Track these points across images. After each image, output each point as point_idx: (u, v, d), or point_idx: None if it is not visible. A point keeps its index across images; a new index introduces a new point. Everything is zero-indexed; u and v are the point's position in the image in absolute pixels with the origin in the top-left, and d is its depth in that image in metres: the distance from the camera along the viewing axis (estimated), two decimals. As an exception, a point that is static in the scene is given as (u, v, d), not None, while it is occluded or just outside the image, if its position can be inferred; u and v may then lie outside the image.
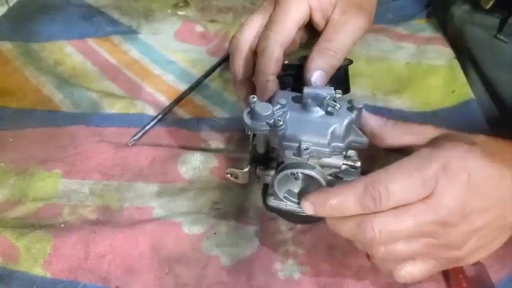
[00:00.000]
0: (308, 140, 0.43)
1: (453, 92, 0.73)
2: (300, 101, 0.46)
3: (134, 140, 0.67)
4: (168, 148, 0.66)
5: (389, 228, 0.41)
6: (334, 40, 0.53)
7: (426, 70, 0.78)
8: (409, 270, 0.44)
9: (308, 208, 0.43)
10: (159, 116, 0.71)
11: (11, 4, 1.00)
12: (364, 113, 0.49)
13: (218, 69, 0.81)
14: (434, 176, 0.40)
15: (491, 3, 0.70)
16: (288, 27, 0.54)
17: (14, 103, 0.74)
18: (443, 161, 0.41)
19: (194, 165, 0.63)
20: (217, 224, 0.56)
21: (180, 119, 0.72)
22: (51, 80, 0.77)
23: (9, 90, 0.76)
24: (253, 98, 0.44)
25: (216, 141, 0.68)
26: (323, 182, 0.44)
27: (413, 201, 0.40)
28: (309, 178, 0.45)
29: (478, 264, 0.49)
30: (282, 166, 0.44)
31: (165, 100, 0.75)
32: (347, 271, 0.52)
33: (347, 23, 0.55)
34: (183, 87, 0.78)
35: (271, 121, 0.43)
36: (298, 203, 0.46)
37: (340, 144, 0.44)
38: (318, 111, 0.45)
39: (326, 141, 0.43)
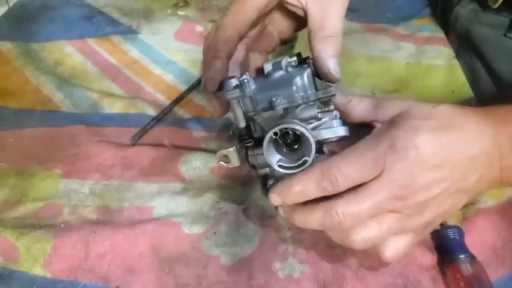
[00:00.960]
0: (277, 94, 0.46)
1: (453, 91, 0.73)
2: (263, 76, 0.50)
3: (134, 139, 0.67)
4: (168, 148, 0.66)
5: (351, 211, 0.43)
6: (328, 25, 0.53)
7: (426, 70, 0.78)
8: (393, 248, 0.46)
9: (275, 199, 0.46)
10: (158, 117, 0.71)
11: (11, 4, 1.00)
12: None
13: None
14: (383, 154, 0.43)
15: (499, 2, 0.70)
16: (245, 9, 0.53)
17: (14, 103, 0.74)
18: (390, 140, 0.43)
19: (194, 165, 0.63)
20: (217, 224, 0.56)
21: (180, 119, 0.72)
22: (51, 80, 0.77)
23: (9, 90, 0.76)
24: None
25: (216, 141, 0.68)
26: (306, 133, 0.45)
27: (367, 180, 0.43)
28: (296, 138, 0.47)
29: (475, 263, 0.49)
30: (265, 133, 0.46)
31: (165, 100, 0.75)
32: (347, 270, 0.51)
33: (331, 3, 0.54)
34: (183, 87, 0.78)
35: (239, 85, 0.47)
36: (295, 167, 0.47)
37: (309, 92, 0.47)
38: (279, 73, 0.48)
39: (293, 91, 0.46)
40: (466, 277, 0.48)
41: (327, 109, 0.48)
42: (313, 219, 0.45)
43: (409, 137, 0.43)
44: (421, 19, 0.90)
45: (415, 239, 0.47)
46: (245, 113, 0.49)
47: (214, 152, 0.65)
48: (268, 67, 0.49)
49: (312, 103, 0.47)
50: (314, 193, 0.44)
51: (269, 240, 0.55)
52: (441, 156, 0.43)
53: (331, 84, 0.49)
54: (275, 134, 0.45)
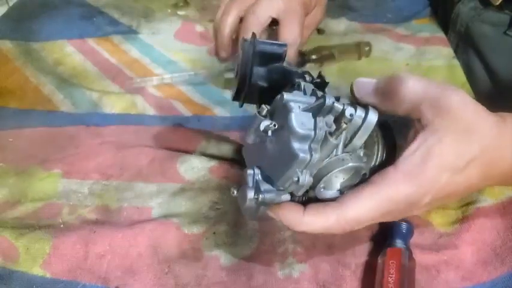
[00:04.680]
0: (290, 171, 0.40)
1: (453, 91, 0.73)
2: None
3: (138, 82, 0.69)
4: (167, 148, 0.66)
5: (363, 223, 0.43)
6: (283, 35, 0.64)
7: (426, 71, 0.78)
8: None
9: (274, 216, 0.44)
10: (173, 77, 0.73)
11: (11, 3, 1.00)
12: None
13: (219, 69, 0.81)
14: (398, 210, 0.43)
15: (500, 0, 0.70)
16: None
17: (14, 103, 0.74)
18: (410, 198, 0.42)
19: (193, 164, 0.63)
20: (216, 224, 0.56)
21: (180, 117, 0.72)
22: (51, 79, 0.77)
23: (9, 90, 0.76)
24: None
25: (217, 140, 0.68)
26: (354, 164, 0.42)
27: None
28: None
29: (412, 260, 0.50)
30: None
31: (165, 100, 0.75)
32: (346, 270, 0.51)
33: (286, 16, 0.64)
34: (183, 86, 0.78)
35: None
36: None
37: (313, 135, 0.40)
38: (268, 144, 0.43)
39: (301, 157, 0.40)
40: (401, 264, 0.48)
41: (338, 115, 0.41)
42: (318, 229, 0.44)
43: (429, 194, 0.42)
44: (421, 19, 0.90)
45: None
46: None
47: (214, 151, 0.66)
48: (250, 139, 0.46)
49: (325, 138, 0.41)
50: (319, 232, 0.43)
51: (268, 240, 0.55)
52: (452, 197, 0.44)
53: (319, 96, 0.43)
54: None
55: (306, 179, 0.40)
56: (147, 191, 0.61)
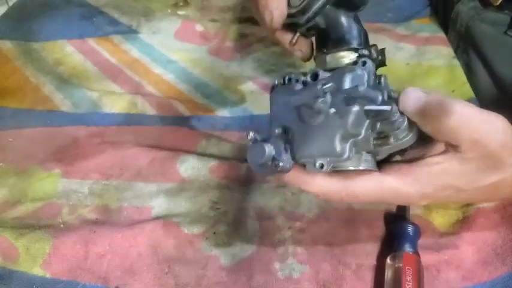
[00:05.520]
0: (319, 155, 0.40)
1: (453, 91, 0.73)
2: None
3: None
4: (167, 148, 0.66)
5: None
6: None
7: (426, 70, 0.78)
8: None
9: (287, 181, 0.44)
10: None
11: (10, 3, 1.00)
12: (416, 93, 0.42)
13: (219, 68, 0.81)
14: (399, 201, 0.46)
15: (500, 0, 0.70)
16: None
17: (14, 103, 0.74)
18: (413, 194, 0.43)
19: (193, 164, 0.63)
20: (216, 224, 0.56)
21: (180, 117, 0.72)
22: (51, 79, 0.77)
23: (10, 90, 0.76)
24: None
25: (217, 140, 0.68)
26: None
27: None
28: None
29: (421, 264, 0.50)
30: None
31: (165, 100, 0.75)
32: (346, 270, 0.51)
33: None
34: (183, 86, 0.78)
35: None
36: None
37: (359, 138, 0.39)
38: (317, 119, 0.41)
39: (337, 153, 0.39)
40: (417, 271, 0.49)
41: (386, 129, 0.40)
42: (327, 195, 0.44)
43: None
44: (421, 19, 0.90)
45: None
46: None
47: (214, 152, 0.66)
48: (297, 100, 0.42)
49: (366, 141, 0.40)
50: (317, 193, 0.44)
51: (268, 240, 0.55)
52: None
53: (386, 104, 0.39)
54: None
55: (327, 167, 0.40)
56: (147, 191, 0.61)
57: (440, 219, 0.56)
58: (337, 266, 0.52)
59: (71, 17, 0.90)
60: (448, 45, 0.81)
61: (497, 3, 0.72)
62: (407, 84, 0.76)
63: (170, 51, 0.84)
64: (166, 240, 0.55)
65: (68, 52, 0.84)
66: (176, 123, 0.71)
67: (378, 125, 0.39)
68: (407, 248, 0.50)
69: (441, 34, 0.85)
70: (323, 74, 0.42)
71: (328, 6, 0.43)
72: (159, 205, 0.59)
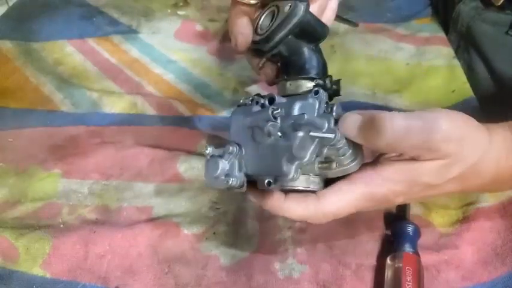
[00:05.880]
0: (268, 174, 0.42)
1: (453, 91, 0.73)
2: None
3: None
4: (167, 148, 0.66)
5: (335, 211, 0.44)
6: None
7: (426, 70, 0.78)
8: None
9: (254, 201, 0.45)
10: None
11: (10, 3, 1.00)
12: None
13: (218, 69, 0.81)
14: (376, 199, 0.44)
15: (502, 0, 0.70)
16: None
17: (13, 103, 0.74)
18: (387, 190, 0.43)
19: (193, 164, 0.63)
20: (216, 224, 0.56)
21: (180, 117, 0.72)
22: (51, 79, 0.77)
23: (10, 90, 0.76)
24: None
25: (217, 140, 0.68)
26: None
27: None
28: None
29: (421, 265, 0.50)
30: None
31: (165, 100, 0.75)
32: (346, 270, 0.51)
33: None
34: (183, 86, 0.78)
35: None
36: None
37: (305, 161, 0.40)
38: (266, 141, 0.43)
39: (285, 174, 0.41)
40: (417, 271, 0.49)
41: (331, 155, 0.42)
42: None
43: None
44: (421, 19, 0.90)
45: None
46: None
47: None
48: (248, 122, 0.44)
49: (311, 163, 0.41)
50: (297, 220, 0.45)
51: (268, 240, 0.55)
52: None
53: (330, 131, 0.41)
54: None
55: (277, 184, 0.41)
56: (147, 191, 0.61)
57: (440, 219, 0.56)
58: (337, 266, 0.52)
59: (71, 17, 0.90)
60: (448, 45, 0.82)
61: (499, 4, 0.72)
62: (407, 84, 0.76)
63: (170, 51, 0.84)
64: (166, 241, 0.55)
65: (68, 52, 0.84)
66: (176, 123, 0.70)
67: (325, 150, 0.41)
68: (407, 248, 0.51)
69: (441, 34, 0.85)
70: (279, 99, 0.45)
71: (290, 37, 0.46)
72: (159, 205, 0.59)
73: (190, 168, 0.63)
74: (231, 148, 0.44)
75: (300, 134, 0.40)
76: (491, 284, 0.50)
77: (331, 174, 0.44)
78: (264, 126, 0.42)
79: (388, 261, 0.50)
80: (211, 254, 0.54)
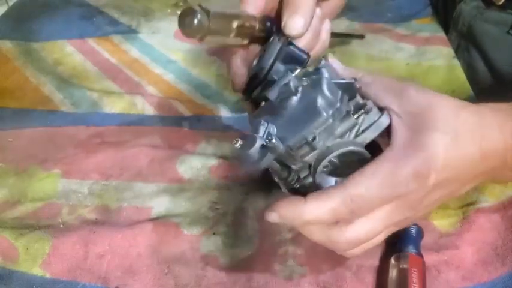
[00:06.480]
0: (309, 130, 0.40)
1: (453, 91, 0.73)
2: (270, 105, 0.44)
3: None
4: (167, 148, 0.66)
5: (359, 237, 0.42)
6: None
7: (426, 70, 0.78)
8: (365, 245, 0.45)
9: (273, 218, 0.42)
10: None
11: (10, 3, 1.00)
12: (335, 62, 0.46)
13: (218, 69, 0.81)
14: (406, 184, 0.40)
15: None
16: None
17: (14, 103, 0.74)
18: (414, 166, 0.40)
19: (193, 164, 0.63)
20: (216, 225, 0.56)
21: (180, 117, 0.72)
22: (51, 79, 0.77)
23: (9, 90, 0.76)
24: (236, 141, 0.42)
25: (217, 140, 0.68)
26: (358, 150, 0.41)
27: (383, 204, 0.41)
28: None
29: (425, 266, 0.50)
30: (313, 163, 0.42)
31: (165, 100, 0.75)
32: (346, 271, 0.51)
33: None
34: (183, 86, 0.78)
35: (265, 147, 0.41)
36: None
37: (338, 105, 0.40)
38: (294, 100, 0.42)
39: (324, 117, 0.40)
40: (422, 273, 0.49)
41: (359, 104, 0.42)
42: (312, 235, 0.43)
43: (432, 161, 0.40)
44: (422, 19, 0.90)
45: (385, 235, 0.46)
46: (282, 162, 0.44)
47: (214, 152, 0.66)
48: (273, 94, 0.43)
49: (346, 114, 0.41)
50: (326, 221, 0.41)
51: (268, 241, 0.54)
52: (453, 179, 0.42)
53: (347, 79, 0.43)
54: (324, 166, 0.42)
55: (319, 143, 0.40)
56: (146, 191, 0.61)
57: (440, 220, 0.56)
58: (337, 267, 0.52)
59: (70, 17, 0.90)
60: (448, 45, 0.82)
61: (500, 3, 0.72)
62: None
63: (170, 51, 0.84)
64: (166, 241, 0.55)
65: (68, 52, 0.84)
66: (176, 123, 0.70)
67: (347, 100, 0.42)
68: (412, 250, 0.50)
69: (441, 34, 0.85)
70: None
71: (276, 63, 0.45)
72: (158, 205, 0.59)
73: (190, 168, 0.63)
74: (262, 121, 0.42)
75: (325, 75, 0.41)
76: (492, 284, 0.50)
77: (369, 133, 0.42)
78: (289, 83, 0.41)
79: (393, 261, 0.50)
80: (211, 255, 0.54)
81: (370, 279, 0.51)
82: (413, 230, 0.52)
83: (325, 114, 0.39)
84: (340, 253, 0.46)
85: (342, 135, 0.42)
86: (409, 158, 0.40)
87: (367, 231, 0.42)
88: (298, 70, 0.42)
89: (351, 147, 0.41)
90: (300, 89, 0.41)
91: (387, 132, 0.43)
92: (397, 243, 0.52)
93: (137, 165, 0.63)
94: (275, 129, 0.42)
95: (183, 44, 0.86)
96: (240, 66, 0.49)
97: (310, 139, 0.40)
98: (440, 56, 0.80)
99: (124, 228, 0.55)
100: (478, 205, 0.56)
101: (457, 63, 0.78)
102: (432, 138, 0.40)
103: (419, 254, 0.50)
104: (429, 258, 0.52)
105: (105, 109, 0.73)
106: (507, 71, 0.72)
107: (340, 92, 0.41)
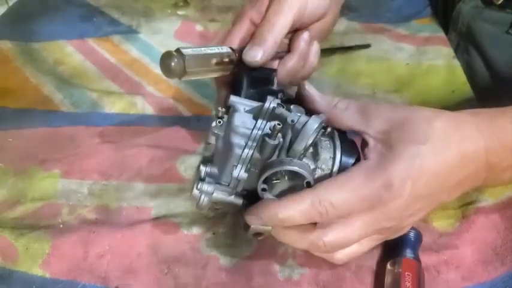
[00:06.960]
0: (231, 165, 0.44)
1: (453, 91, 0.73)
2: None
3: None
4: (167, 147, 0.66)
5: (338, 242, 0.44)
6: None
7: (426, 70, 0.78)
8: (349, 252, 0.47)
9: (254, 221, 0.45)
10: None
11: (10, 3, 1.00)
12: (312, 89, 0.48)
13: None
14: (377, 195, 0.42)
15: None
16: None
17: (14, 103, 0.74)
18: (386, 178, 0.41)
19: (193, 164, 0.63)
20: (215, 225, 0.56)
21: (180, 117, 0.72)
22: (51, 80, 0.77)
23: (9, 90, 0.76)
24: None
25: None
26: (297, 170, 0.43)
27: (357, 212, 0.43)
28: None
29: (422, 270, 0.50)
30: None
31: (165, 100, 0.75)
32: (346, 271, 0.51)
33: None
34: (183, 86, 0.78)
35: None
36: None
37: (253, 133, 0.43)
38: (220, 141, 0.47)
39: (237, 151, 0.43)
40: (417, 277, 0.48)
41: (283, 117, 0.44)
42: (295, 243, 0.46)
43: (405, 173, 0.41)
44: (421, 19, 0.90)
45: (375, 243, 0.48)
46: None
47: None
48: (212, 139, 0.49)
49: (263, 140, 0.43)
50: (299, 222, 0.43)
51: (268, 242, 0.54)
52: (435, 186, 0.43)
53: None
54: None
55: (239, 173, 0.43)
56: (146, 191, 0.60)
57: (439, 220, 0.56)
58: (336, 268, 0.52)
59: (71, 17, 0.91)
60: (448, 45, 0.82)
61: (499, 2, 0.72)
62: (407, 84, 0.76)
63: (170, 51, 0.84)
64: (166, 241, 0.55)
65: (68, 52, 0.84)
66: (176, 123, 0.70)
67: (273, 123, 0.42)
68: (408, 254, 0.50)
69: (441, 34, 0.85)
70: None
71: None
72: (158, 205, 0.59)
73: (190, 168, 0.63)
74: (201, 166, 0.46)
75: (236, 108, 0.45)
76: (491, 284, 0.50)
77: (299, 143, 0.43)
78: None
79: (388, 266, 0.50)
80: (211, 255, 0.54)
81: (369, 279, 0.51)
82: (411, 235, 0.52)
83: (236, 148, 0.43)
84: (327, 258, 0.48)
85: (270, 157, 0.43)
86: (381, 170, 0.42)
87: (344, 237, 0.44)
88: (221, 111, 0.46)
89: (275, 169, 0.43)
90: (218, 130, 0.46)
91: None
92: (395, 247, 0.52)
93: (137, 165, 0.63)
94: (216, 170, 0.46)
95: (183, 44, 0.86)
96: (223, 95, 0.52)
97: (231, 172, 0.43)
98: (440, 56, 0.80)
99: (124, 228, 0.55)
100: (477, 205, 0.56)
101: (457, 63, 0.78)
102: (404, 149, 0.42)
103: (417, 258, 0.50)
104: (428, 258, 0.52)
105: (105, 109, 0.73)
106: (506, 70, 0.72)
107: (254, 121, 0.44)
